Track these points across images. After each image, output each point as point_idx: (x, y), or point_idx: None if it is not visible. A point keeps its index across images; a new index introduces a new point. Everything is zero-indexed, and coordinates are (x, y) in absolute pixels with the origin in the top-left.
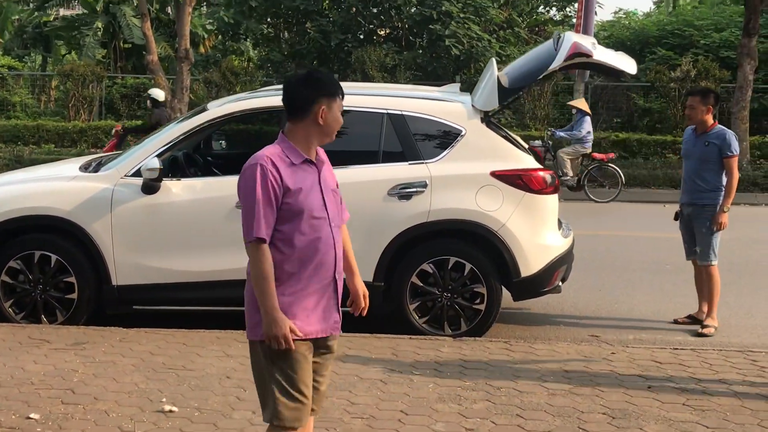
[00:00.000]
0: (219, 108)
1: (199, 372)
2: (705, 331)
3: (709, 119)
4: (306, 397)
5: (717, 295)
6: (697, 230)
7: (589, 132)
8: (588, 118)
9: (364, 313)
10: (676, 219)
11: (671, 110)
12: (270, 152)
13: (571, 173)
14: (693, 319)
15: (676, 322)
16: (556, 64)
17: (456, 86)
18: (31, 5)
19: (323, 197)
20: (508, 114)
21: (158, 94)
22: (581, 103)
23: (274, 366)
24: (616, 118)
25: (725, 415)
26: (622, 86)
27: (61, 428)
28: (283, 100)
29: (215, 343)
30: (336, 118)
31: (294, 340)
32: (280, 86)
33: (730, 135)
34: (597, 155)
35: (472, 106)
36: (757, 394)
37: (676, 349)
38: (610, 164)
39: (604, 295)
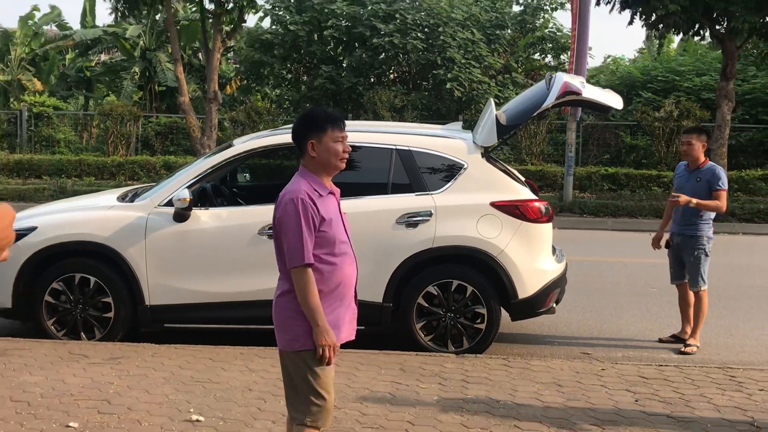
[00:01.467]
0: (243, 144)
1: (223, 384)
2: (688, 349)
3: (702, 155)
4: (332, 399)
5: (703, 317)
6: (686, 259)
7: None
8: None
9: None
10: (667, 247)
11: (656, 147)
12: (305, 187)
13: None
14: (676, 338)
15: (660, 341)
16: (549, 102)
17: (458, 124)
18: (76, 51)
19: (344, 223)
20: (506, 150)
21: None
22: None
23: (311, 372)
24: (605, 154)
25: (706, 427)
26: (611, 125)
27: None
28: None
29: (239, 359)
30: (327, 149)
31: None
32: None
33: (720, 170)
34: None
35: (473, 142)
36: (735, 407)
37: (661, 365)
38: None
39: (594, 315)
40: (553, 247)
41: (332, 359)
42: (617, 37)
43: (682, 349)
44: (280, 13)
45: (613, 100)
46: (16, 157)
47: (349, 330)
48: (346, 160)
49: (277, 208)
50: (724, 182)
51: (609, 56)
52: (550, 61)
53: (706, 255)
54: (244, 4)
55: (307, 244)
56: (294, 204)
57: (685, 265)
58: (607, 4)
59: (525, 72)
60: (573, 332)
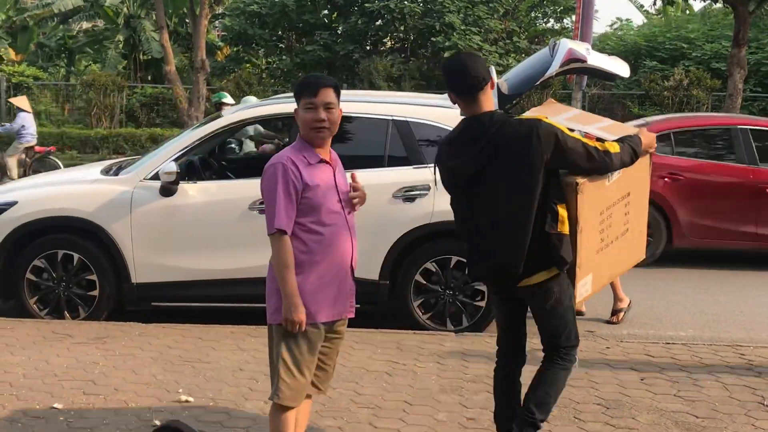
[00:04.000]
0: (233, 115)
1: (213, 365)
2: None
3: None
4: (306, 379)
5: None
6: None
7: (24, 126)
8: (25, 114)
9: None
10: None
11: None
12: (290, 153)
13: (15, 173)
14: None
15: (610, 322)
16: (553, 69)
17: None
18: (56, 19)
19: (338, 193)
20: None
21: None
22: (20, 101)
23: (283, 347)
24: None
25: (714, 406)
26: (618, 94)
27: (83, 417)
28: None
29: (229, 338)
30: (304, 117)
31: (307, 324)
32: (290, 94)
33: None
34: (38, 148)
35: None
36: (745, 386)
37: (668, 343)
38: (51, 156)
39: (599, 293)
40: None
41: (309, 337)
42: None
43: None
44: None
45: (620, 67)
46: None
47: (341, 307)
48: (323, 129)
49: (262, 177)
50: None
51: (618, 19)
52: (553, 25)
53: None
54: None
55: (281, 210)
56: (273, 169)
57: None
58: None
59: (528, 37)
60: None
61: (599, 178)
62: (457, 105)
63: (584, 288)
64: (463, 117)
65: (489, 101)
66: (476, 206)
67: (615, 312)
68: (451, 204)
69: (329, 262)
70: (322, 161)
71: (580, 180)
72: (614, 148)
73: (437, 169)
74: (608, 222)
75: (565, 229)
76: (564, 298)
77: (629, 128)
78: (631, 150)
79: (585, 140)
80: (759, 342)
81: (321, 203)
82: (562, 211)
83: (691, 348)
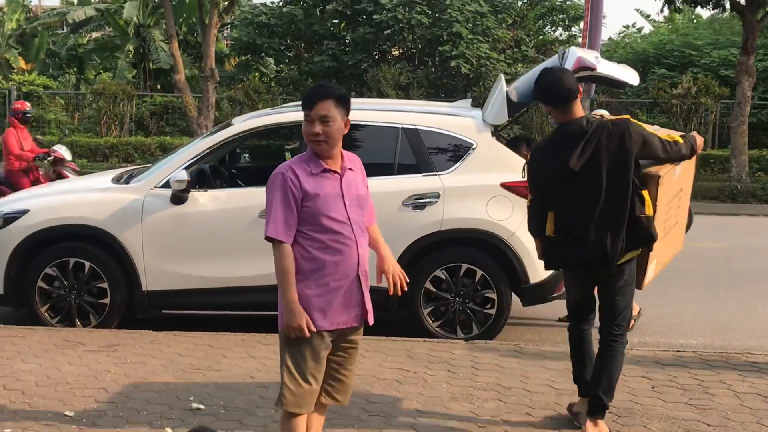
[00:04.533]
0: (243, 123)
1: (224, 372)
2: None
3: None
4: (311, 387)
5: None
6: None
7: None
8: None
9: (404, 287)
10: None
11: (673, 125)
12: (293, 163)
13: None
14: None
15: (560, 320)
16: None
17: (467, 102)
18: (66, 29)
19: (344, 202)
20: (517, 129)
21: None
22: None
23: (287, 354)
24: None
25: (726, 414)
26: (626, 102)
27: (95, 425)
28: None
29: (240, 346)
30: (303, 128)
31: (310, 331)
32: (295, 103)
33: None
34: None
35: (483, 120)
36: (756, 393)
37: (678, 351)
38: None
39: None
40: None
41: (313, 344)
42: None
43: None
44: None
45: (629, 75)
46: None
47: (347, 316)
48: (319, 142)
49: None
50: None
51: (625, 27)
52: (561, 34)
53: None
54: None
55: (277, 219)
56: (273, 178)
57: None
58: None
59: (536, 46)
60: None
61: (671, 172)
62: (549, 113)
63: (651, 271)
64: (557, 123)
65: (580, 108)
66: (574, 200)
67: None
68: (534, 205)
69: (333, 270)
70: (326, 170)
71: (661, 173)
72: (680, 141)
73: (529, 170)
74: (669, 213)
75: (650, 211)
76: (631, 279)
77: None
78: (690, 145)
79: (659, 135)
80: None
81: (321, 212)
82: (647, 196)
83: (701, 356)
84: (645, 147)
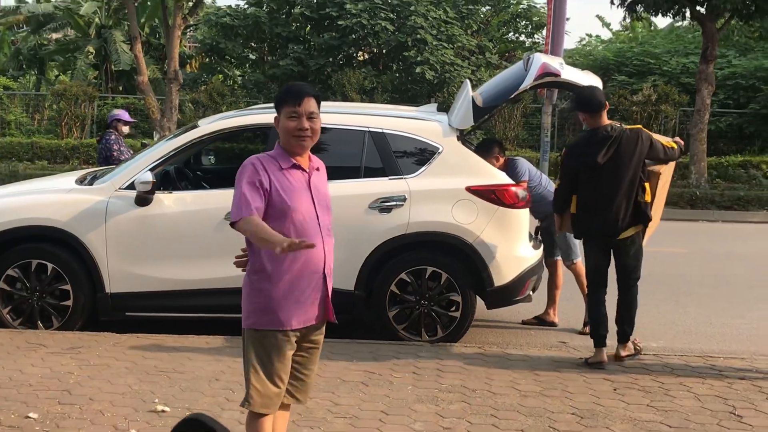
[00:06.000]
0: (209, 125)
1: (189, 375)
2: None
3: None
4: (278, 387)
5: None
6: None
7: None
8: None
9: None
10: (536, 232)
11: None
12: (261, 156)
13: None
14: (539, 320)
15: (523, 322)
16: (527, 83)
17: (433, 106)
18: (27, 28)
19: (313, 199)
20: (480, 134)
21: None
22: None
23: (252, 353)
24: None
25: (687, 416)
26: None
27: (59, 427)
28: None
29: (204, 348)
30: (285, 126)
31: (275, 330)
32: (266, 105)
33: (516, 164)
34: None
35: (449, 125)
36: (716, 395)
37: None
38: None
39: (572, 305)
40: (530, 233)
41: (277, 342)
42: (599, 11)
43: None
44: None
45: (592, 81)
46: None
47: (312, 313)
48: (305, 137)
49: None
50: (522, 175)
51: (587, 35)
52: (525, 41)
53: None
54: None
55: (246, 199)
56: (242, 168)
57: (555, 243)
58: None
59: (499, 53)
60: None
61: (668, 170)
62: (583, 120)
63: (649, 236)
64: (588, 128)
65: (606, 117)
66: (599, 184)
67: (586, 323)
68: (564, 187)
69: (300, 268)
70: (294, 166)
71: (661, 170)
72: (674, 146)
73: (567, 160)
74: (659, 201)
75: (649, 198)
76: (639, 247)
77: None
78: (679, 149)
79: (662, 141)
80: (729, 353)
81: (290, 206)
82: (648, 187)
83: (662, 359)
84: (651, 150)
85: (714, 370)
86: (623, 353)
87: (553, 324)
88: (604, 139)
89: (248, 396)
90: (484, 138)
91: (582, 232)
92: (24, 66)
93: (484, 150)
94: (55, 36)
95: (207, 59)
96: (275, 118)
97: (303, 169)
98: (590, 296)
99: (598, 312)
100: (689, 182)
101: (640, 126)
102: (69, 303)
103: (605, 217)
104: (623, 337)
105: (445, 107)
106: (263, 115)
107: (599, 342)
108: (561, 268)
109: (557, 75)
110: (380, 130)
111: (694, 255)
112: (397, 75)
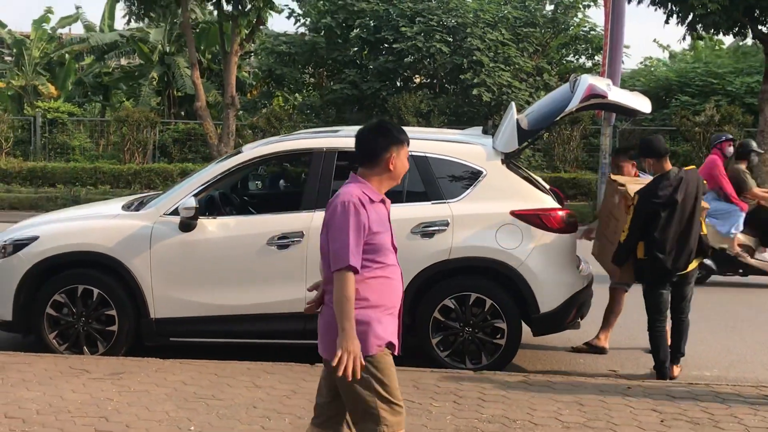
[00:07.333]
0: (252, 150)
1: (227, 401)
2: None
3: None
4: (401, 400)
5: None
6: None
7: None
8: None
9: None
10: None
11: (696, 153)
12: (357, 192)
13: None
14: (590, 347)
15: (573, 349)
16: (573, 105)
17: (478, 129)
18: (92, 56)
19: (390, 230)
20: (538, 156)
21: None
22: None
23: (374, 379)
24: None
25: None
26: (649, 129)
27: None
28: (357, 148)
29: (245, 374)
30: (403, 164)
31: (384, 349)
32: (311, 130)
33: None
34: None
35: (493, 148)
36: (767, 428)
37: (691, 384)
38: None
39: (623, 330)
40: (578, 257)
41: (350, 369)
42: (658, 35)
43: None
44: (303, 18)
45: (641, 103)
46: (29, 165)
47: (397, 341)
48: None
49: (327, 211)
50: None
51: (650, 57)
52: (585, 63)
53: None
54: (262, 5)
55: (353, 248)
56: (344, 207)
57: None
58: (639, 3)
59: (559, 74)
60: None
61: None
62: (650, 165)
63: None
64: (653, 173)
65: (668, 162)
66: (677, 224)
67: (589, 344)
68: (635, 235)
69: (390, 297)
70: (382, 200)
71: (704, 205)
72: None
73: (642, 205)
74: None
75: (705, 231)
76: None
77: None
78: None
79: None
80: None
81: (383, 243)
82: (702, 221)
83: (714, 388)
84: (702, 187)
85: (767, 400)
86: (676, 373)
87: (602, 350)
88: (677, 180)
89: (383, 420)
90: (617, 147)
91: (657, 275)
92: (89, 93)
93: (623, 154)
94: (119, 62)
95: (265, 86)
96: (391, 154)
97: (384, 201)
98: (658, 329)
99: (665, 342)
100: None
101: (693, 166)
102: (114, 328)
103: (682, 254)
104: (677, 358)
105: (491, 130)
106: (306, 140)
107: (664, 372)
108: (624, 296)
109: (604, 96)
110: (423, 154)
111: (753, 280)
112: (454, 98)
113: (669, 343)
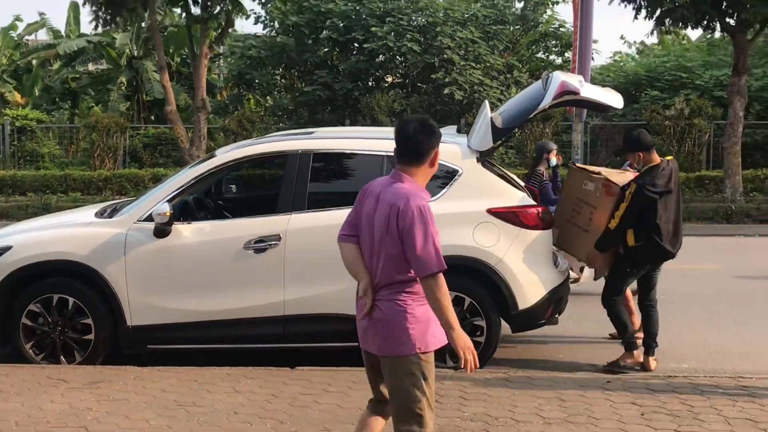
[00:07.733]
0: (226, 154)
1: (207, 408)
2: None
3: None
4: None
5: None
6: None
7: None
8: None
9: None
10: None
11: (667, 146)
12: (419, 193)
13: None
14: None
15: (612, 336)
16: (546, 102)
17: (453, 128)
18: (59, 62)
19: None
20: (511, 154)
21: None
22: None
23: (426, 381)
24: (614, 155)
25: None
26: (620, 125)
27: None
28: (404, 147)
29: (225, 380)
30: (438, 162)
31: (433, 349)
32: (285, 132)
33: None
34: None
35: (468, 146)
36: (747, 419)
37: (670, 376)
38: None
39: (602, 325)
40: (554, 254)
41: (471, 363)
42: (627, 31)
43: None
44: (270, 22)
45: (613, 98)
46: None
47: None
48: None
49: (397, 216)
50: None
51: (619, 53)
52: (554, 59)
53: None
54: (230, 8)
55: (438, 249)
56: (421, 212)
57: None
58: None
59: (529, 71)
60: (579, 343)
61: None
62: (639, 159)
63: None
64: (642, 165)
65: (656, 154)
66: (672, 211)
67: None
68: (627, 222)
69: None
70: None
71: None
72: None
73: (640, 194)
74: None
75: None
76: None
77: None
78: None
79: None
80: (762, 373)
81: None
82: None
83: (692, 380)
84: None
85: (745, 391)
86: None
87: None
88: (668, 171)
89: (424, 423)
90: (538, 142)
91: (649, 260)
92: (57, 100)
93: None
94: (87, 68)
95: (236, 88)
96: (436, 152)
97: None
98: (619, 307)
99: (626, 314)
100: (724, 196)
101: (672, 157)
102: (90, 337)
103: (676, 239)
104: (650, 349)
105: (465, 129)
106: (281, 142)
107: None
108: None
109: (577, 93)
110: None
111: (730, 271)
112: (426, 97)
113: (642, 336)
